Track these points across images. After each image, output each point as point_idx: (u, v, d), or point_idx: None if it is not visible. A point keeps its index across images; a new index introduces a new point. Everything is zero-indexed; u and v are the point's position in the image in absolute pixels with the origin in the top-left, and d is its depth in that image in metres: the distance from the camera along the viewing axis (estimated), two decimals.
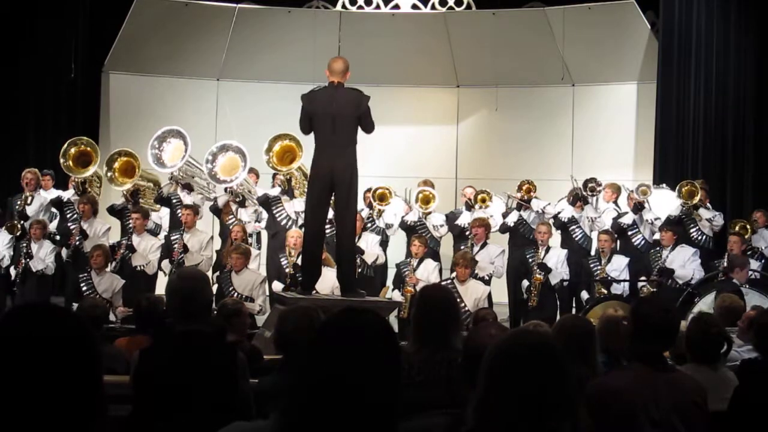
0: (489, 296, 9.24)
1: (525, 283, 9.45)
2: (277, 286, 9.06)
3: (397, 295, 9.24)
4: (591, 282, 9.38)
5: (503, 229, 10.27)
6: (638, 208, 9.90)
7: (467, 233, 9.95)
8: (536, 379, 2.03)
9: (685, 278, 9.17)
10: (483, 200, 10.24)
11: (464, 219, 10.24)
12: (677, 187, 9.90)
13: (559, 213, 10.12)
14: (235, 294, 8.49)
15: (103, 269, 8.76)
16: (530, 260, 9.50)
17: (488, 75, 13.19)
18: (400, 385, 1.81)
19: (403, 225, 10.35)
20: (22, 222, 9.49)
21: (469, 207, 10.36)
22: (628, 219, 10.01)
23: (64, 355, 1.55)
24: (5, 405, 1.50)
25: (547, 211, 10.23)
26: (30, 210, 9.78)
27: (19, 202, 9.96)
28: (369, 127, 6.94)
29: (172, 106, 13.08)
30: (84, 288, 8.62)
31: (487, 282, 9.26)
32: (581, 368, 3.56)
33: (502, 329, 3.17)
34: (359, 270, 9.07)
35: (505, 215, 10.39)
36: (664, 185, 10.77)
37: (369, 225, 10.03)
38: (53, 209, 10.20)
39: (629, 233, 9.95)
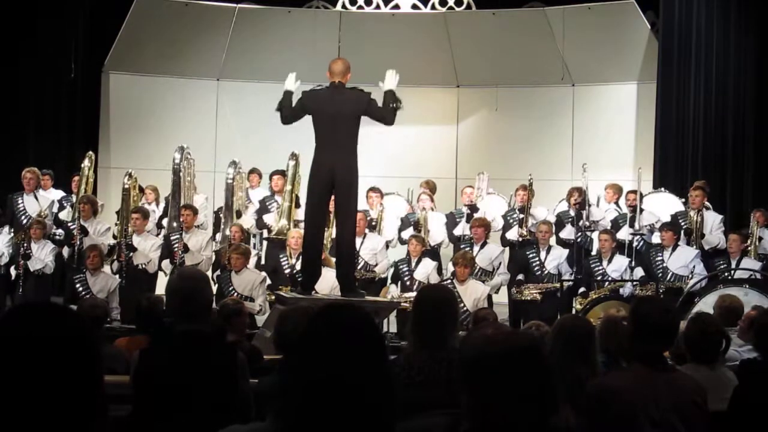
0: (489, 296, 9.25)
1: (520, 276, 9.44)
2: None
3: (394, 289, 9.23)
4: (591, 282, 9.37)
5: (505, 243, 10.21)
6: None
7: (466, 237, 9.93)
8: (516, 379, 2.04)
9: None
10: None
11: (461, 230, 10.18)
12: None
13: (560, 231, 10.13)
14: (235, 294, 8.50)
15: (99, 269, 8.76)
16: (531, 260, 9.50)
17: (488, 75, 13.19)
18: (392, 383, 1.79)
19: (402, 241, 10.27)
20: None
21: (468, 217, 10.25)
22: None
23: (64, 355, 1.55)
24: (5, 404, 1.50)
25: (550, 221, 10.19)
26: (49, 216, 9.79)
27: (20, 200, 9.95)
28: (385, 116, 6.90)
29: (172, 107, 13.09)
30: (79, 288, 8.61)
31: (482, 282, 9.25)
32: (581, 368, 3.56)
33: (500, 330, 3.16)
34: (360, 269, 9.09)
35: (505, 221, 10.34)
36: (662, 189, 10.78)
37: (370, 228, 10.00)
38: (54, 210, 10.21)
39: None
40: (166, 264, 9.36)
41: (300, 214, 9.42)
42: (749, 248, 9.47)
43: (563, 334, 3.72)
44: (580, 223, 9.84)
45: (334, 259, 7.83)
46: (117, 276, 9.11)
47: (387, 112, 6.92)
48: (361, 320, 1.81)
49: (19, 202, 9.97)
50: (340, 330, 1.77)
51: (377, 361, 1.77)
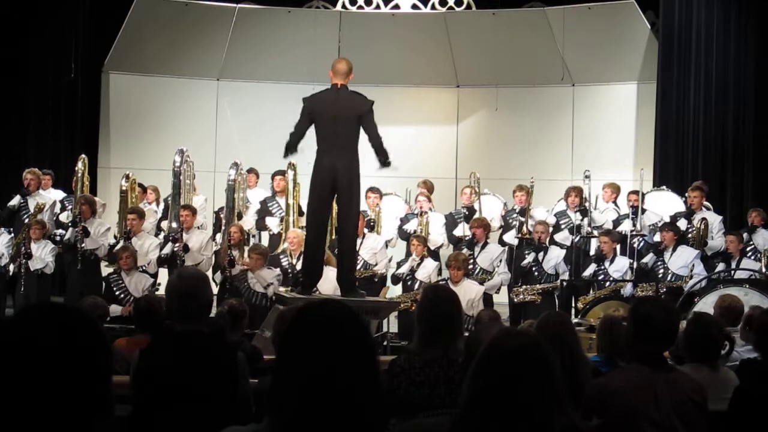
0: (489, 297, 9.25)
1: (532, 254, 9.48)
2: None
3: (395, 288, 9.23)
4: (592, 282, 9.36)
5: (503, 243, 10.18)
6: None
7: (467, 238, 9.92)
8: (519, 377, 2.05)
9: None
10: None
11: (461, 231, 10.16)
12: None
13: (556, 233, 10.10)
14: (252, 292, 8.55)
15: (133, 269, 8.75)
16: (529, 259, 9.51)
17: (488, 75, 13.18)
18: (380, 380, 1.77)
19: (403, 235, 10.25)
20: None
21: (467, 218, 10.24)
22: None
23: (77, 355, 1.55)
24: (18, 404, 1.50)
25: (548, 222, 10.16)
26: (44, 216, 9.77)
27: (23, 201, 9.96)
28: (374, 134, 6.82)
29: (172, 107, 13.09)
30: (114, 289, 8.61)
31: (482, 282, 9.24)
32: (566, 363, 3.57)
33: (509, 328, 3.18)
34: (359, 269, 9.08)
35: (505, 222, 10.33)
36: (664, 187, 10.77)
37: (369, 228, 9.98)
38: (57, 210, 10.21)
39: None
40: (168, 248, 9.37)
41: (304, 220, 9.46)
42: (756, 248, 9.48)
43: (546, 332, 3.70)
44: (582, 231, 9.83)
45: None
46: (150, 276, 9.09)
47: (379, 139, 6.85)
48: (342, 315, 1.77)
49: (23, 202, 9.99)
50: (320, 326, 1.75)
51: (362, 357, 1.74)
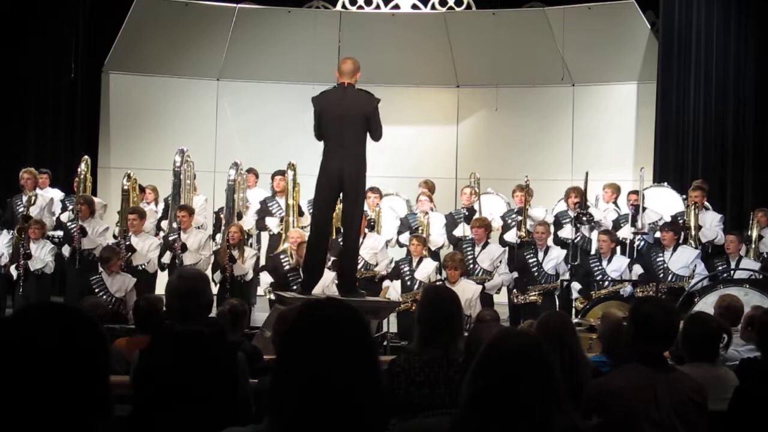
0: (489, 297, 9.24)
1: (515, 274, 9.48)
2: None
3: (394, 289, 9.21)
4: (591, 282, 9.36)
5: (503, 243, 10.18)
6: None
7: (467, 238, 9.92)
8: (519, 377, 2.05)
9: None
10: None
11: (461, 231, 10.16)
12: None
13: (558, 231, 10.12)
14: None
15: (115, 272, 8.74)
16: (528, 261, 9.49)
17: (488, 75, 13.18)
18: (380, 379, 1.77)
19: (401, 244, 10.25)
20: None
21: (467, 219, 10.24)
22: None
23: (77, 355, 1.55)
24: (17, 404, 1.50)
25: (548, 222, 10.16)
26: (33, 210, 9.76)
27: (20, 202, 9.96)
28: (375, 131, 6.82)
29: (172, 107, 13.09)
30: (96, 290, 8.60)
31: (483, 282, 9.24)
32: (566, 363, 3.57)
33: (509, 328, 3.18)
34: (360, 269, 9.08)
35: (504, 222, 10.33)
36: (665, 184, 10.76)
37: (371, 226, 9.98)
38: (56, 210, 10.21)
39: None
40: (167, 257, 9.35)
41: (305, 221, 9.46)
42: (750, 248, 9.47)
43: (547, 332, 3.71)
44: (583, 227, 9.83)
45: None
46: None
47: (379, 131, 6.87)
48: (342, 315, 1.78)
49: (19, 203, 9.99)
50: (319, 326, 1.75)
51: (362, 356, 1.74)
